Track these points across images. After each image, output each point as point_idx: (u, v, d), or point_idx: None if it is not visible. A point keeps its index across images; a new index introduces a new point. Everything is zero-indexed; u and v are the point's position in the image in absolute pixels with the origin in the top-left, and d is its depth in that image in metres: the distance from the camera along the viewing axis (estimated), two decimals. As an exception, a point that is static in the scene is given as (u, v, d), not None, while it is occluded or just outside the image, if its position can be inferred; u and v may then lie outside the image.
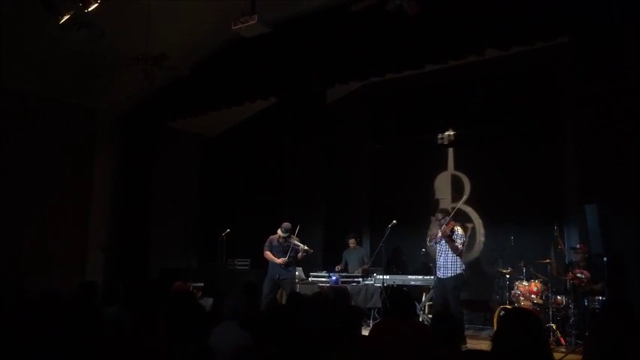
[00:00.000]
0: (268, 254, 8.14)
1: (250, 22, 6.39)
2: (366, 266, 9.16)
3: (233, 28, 6.51)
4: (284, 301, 7.65)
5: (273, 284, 8.04)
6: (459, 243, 7.23)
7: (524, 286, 7.41)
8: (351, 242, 9.35)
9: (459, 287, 7.34)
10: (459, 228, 7.38)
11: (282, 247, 8.06)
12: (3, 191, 8.28)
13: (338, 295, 6.45)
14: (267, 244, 8.20)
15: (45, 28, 6.70)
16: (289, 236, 8.05)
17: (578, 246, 7.38)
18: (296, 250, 8.04)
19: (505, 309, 7.31)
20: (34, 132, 8.79)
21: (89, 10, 5.78)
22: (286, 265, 8.01)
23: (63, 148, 9.19)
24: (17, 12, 6.80)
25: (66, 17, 5.94)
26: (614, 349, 2.45)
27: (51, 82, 8.54)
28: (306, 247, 8.09)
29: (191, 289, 7.91)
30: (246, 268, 9.84)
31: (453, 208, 7.54)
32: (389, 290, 7.89)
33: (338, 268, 9.14)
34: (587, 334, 6.42)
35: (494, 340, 2.52)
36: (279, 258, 8.01)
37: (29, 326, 3.61)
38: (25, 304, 4.25)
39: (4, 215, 8.26)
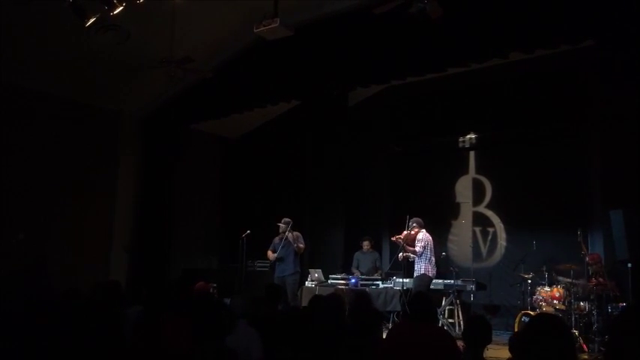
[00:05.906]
0: (268, 253, 8.53)
1: (272, 25, 6.40)
2: (380, 270, 9.15)
3: (255, 31, 6.54)
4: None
5: (280, 283, 8.18)
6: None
7: (547, 291, 7.32)
8: (365, 244, 9.34)
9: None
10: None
11: (282, 245, 8.35)
12: (29, 191, 8.45)
13: (358, 297, 6.40)
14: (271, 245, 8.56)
15: (71, 31, 6.82)
16: (286, 231, 8.28)
17: (587, 258, 7.13)
18: (289, 241, 8.16)
19: (527, 314, 7.23)
20: (60, 133, 8.96)
21: (114, 13, 5.88)
22: (280, 260, 8.32)
23: (88, 149, 9.34)
24: (44, 15, 6.93)
25: (92, 20, 6.06)
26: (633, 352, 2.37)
27: (76, 84, 8.69)
28: (291, 233, 8.29)
29: (211, 290, 7.98)
30: (266, 269, 9.87)
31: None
32: (408, 294, 7.85)
33: (355, 271, 9.15)
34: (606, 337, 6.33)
35: (520, 345, 2.45)
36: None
37: (51, 325, 3.67)
38: (47, 303, 4.32)
39: (31, 215, 8.44)
